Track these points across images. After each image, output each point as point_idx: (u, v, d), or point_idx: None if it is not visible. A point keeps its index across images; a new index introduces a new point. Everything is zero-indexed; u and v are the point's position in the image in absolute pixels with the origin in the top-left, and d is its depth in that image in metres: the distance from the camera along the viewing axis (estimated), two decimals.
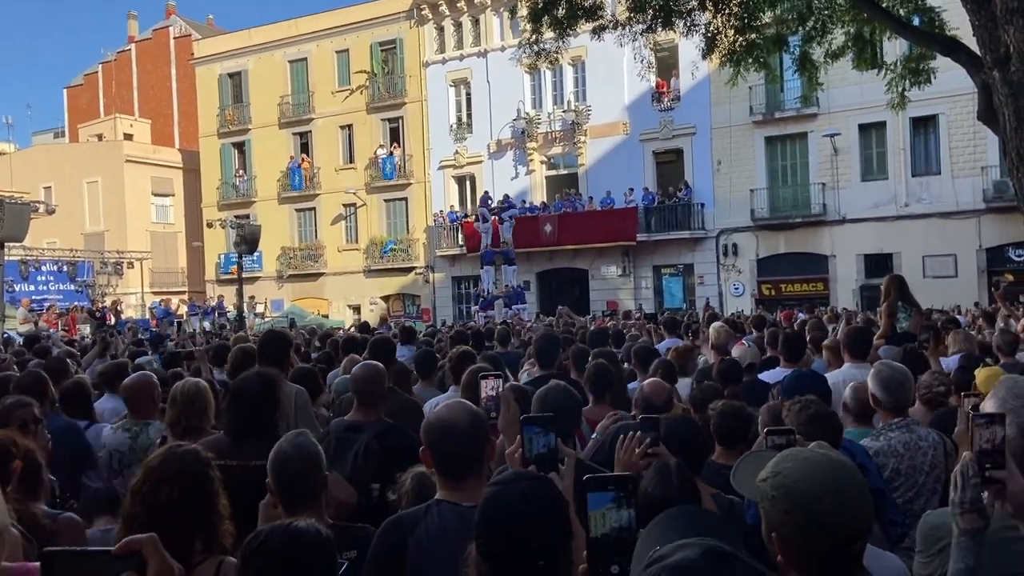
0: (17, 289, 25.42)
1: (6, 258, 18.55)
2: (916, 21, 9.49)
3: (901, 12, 9.37)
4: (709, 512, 2.41)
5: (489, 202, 26.31)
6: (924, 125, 24.12)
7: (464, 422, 2.45)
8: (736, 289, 26.47)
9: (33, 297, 26.03)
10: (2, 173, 37.26)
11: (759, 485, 1.67)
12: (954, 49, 7.60)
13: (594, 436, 3.76)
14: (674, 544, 1.23)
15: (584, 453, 3.50)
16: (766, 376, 5.70)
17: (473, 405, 2.64)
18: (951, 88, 16.59)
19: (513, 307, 21.63)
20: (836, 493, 1.57)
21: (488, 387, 2.81)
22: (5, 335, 14.75)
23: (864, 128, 24.72)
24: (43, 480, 2.93)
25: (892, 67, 10.34)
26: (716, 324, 7.37)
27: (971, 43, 7.22)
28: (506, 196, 28.06)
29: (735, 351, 6.25)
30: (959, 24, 8.34)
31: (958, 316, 12.40)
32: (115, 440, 4.46)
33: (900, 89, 10.27)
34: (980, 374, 4.05)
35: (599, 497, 1.65)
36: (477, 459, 2.45)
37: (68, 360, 6.77)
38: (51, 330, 19.49)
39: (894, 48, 13.44)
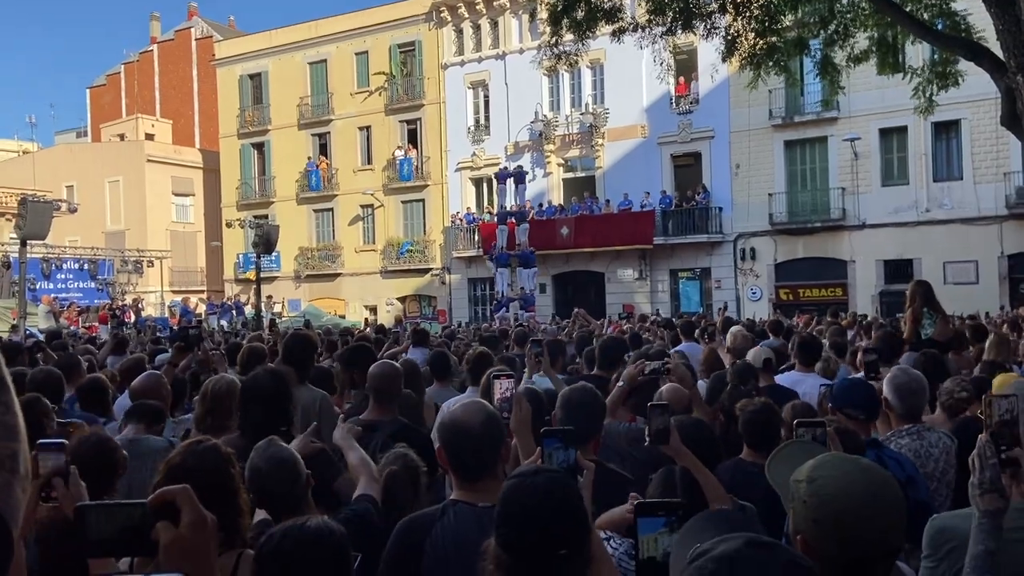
0: (39, 287, 25.73)
1: (28, 256, 18.78)
2: (940, 25, 9.38)
3: (925, 16, 9.27)
4: (739, 515, 2.41)
5: (505, 179, 24.50)
6: (946, 130, 23.85)
7: (479, 422, 2.43)
8: (754, 294, 26.29)
9: (54, 295, 26.29)
10: (25, 172, 37.72)
11: (793, 483, 1.64)
12: (978, 53, 7.53)
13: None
14: (716, 539, 1.26)
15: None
16: (782, 380, 5.67)
17: (489, 405, 2.63)
18: (974, 93, 16.35)
19: (519, 313, 21.19)
20: (869, 517, 1.53)
21: (501, 388, 2.80)
22: (27, 332, 14.92)
23: (885, 132, 24.50)
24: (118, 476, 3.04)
25: (919, 72, 10.21)
26: (735, 328, 7.33)
27: (995, 47, 7.16)
28: (519, 167, 26.03)
29: (749, 355, 6.21)
30: (984, 27, 8.26)
31: (985, 322, 12.16)
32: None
33: (928, 94, 10.13)
34: (997, 380, 4.04)
35: (650, 522, 1.66)
36: (492, 459, 2.43)
37: (80, 357, 6.79)
38: (71, 327, 19.71)
39: (917, 52, 13.31)
